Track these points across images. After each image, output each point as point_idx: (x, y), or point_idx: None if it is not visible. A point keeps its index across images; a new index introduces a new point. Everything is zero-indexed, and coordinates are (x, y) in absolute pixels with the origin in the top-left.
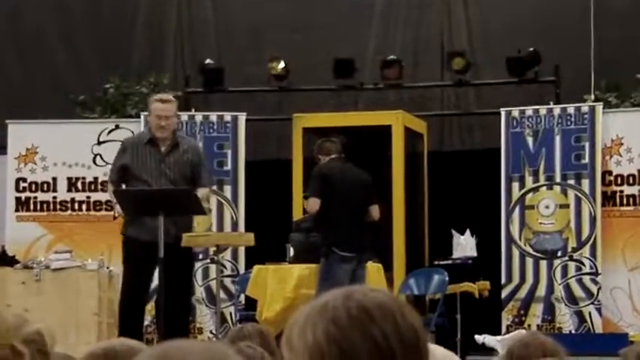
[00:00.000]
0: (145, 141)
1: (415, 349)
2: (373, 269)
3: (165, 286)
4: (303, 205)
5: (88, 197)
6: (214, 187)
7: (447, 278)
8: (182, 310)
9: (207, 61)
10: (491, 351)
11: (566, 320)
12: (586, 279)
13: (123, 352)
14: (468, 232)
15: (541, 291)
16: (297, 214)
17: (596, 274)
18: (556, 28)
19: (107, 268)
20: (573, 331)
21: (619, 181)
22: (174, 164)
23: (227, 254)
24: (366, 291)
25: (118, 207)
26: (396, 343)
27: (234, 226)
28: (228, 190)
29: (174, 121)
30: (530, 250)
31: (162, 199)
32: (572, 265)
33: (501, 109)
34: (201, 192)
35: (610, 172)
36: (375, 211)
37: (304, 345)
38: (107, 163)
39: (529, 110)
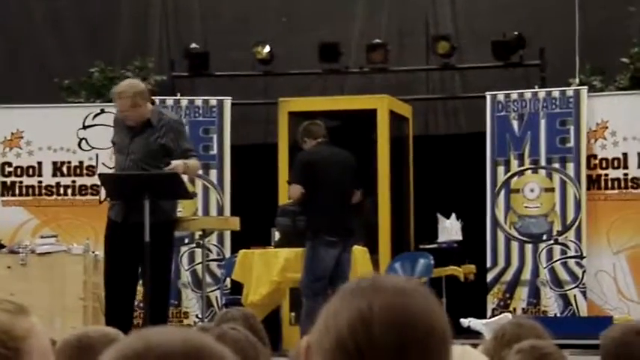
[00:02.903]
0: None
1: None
2: (359, 252)
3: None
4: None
5: (74, 182)
6: (199, 171)
7: (432, 262)
8: (155, 291)
9: (193, 45)
10: (476, 334)
11: (551, 303)
12: (571, 262)
13: (97, 339)
14: (453, 215)
15: (526, 274)
16: (282, 199)
17: (581, 257)
18: (541, 11)
19: (93, 252)
20: (558, 315)
21: (604, 165)
22: (141, 144)
23: (213, 238)
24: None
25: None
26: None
27: (220, 210)
28: (213, 174)
29: (137, 111)
30: (516, 234)
31: (146, 183)
32: (557, 249)
33: (487, 92)
34: (174, 163)
35: (595, 156)
36: (356, 196)
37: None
38: (92, 148)
39: (514, 94)
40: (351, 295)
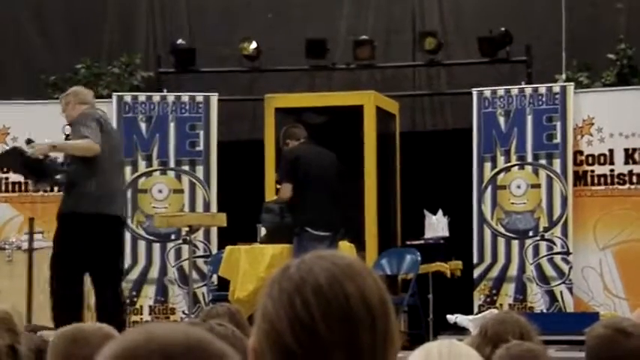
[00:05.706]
0: None
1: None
2: (345, 248)
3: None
4: (275, 187)
5: None
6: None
7: (419, 258)
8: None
9: (179, 41)
10: (463, 330)
11: (537, 300)
12: (557, 258)
13: (92, 332)
14: (440, 212)
15: (513, 271)
16: (269, 195)
17: (568, 253)
18: (527, 7)
19: None
20: (545, 311)
21: (590, 161)
22: None
23: (199, 235)
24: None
25: None
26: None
27: (207, 206)
28: (200, 170)
29: (67, 110)
30: (502, 230)
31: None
32: (543, 245)
33: (473, 89)
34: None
35: (581, 152)
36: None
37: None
38: None
39: (501, 90)
40: (285, 293)
